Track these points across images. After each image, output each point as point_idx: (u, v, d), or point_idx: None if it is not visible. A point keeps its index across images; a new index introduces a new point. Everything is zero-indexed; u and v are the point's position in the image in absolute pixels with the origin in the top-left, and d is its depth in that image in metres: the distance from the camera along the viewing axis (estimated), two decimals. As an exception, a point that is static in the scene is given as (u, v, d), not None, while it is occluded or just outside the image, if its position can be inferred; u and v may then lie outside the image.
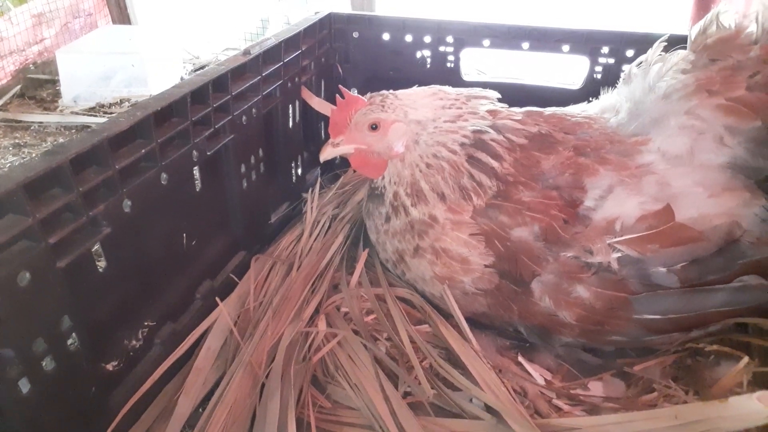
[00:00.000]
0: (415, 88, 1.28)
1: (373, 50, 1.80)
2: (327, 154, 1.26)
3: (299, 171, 1.70)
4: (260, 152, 1.40)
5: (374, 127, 1.21)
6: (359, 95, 1.24)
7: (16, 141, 2.34)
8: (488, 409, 1.04)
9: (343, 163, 1.90)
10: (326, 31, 1.75)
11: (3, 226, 0.73)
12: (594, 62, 1.63)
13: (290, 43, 1.49)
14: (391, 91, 1.25)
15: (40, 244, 0.77)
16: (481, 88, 1.31)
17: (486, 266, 1.14)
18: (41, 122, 2.49)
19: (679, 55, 1.19)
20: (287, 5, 3.68)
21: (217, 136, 1.21)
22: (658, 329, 1.08)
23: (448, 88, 1.28)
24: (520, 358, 1.19)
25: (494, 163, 1.16)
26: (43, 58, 2.98)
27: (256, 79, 1.32)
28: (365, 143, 1.23)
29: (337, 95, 1.25)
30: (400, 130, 1.20)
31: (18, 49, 2.83)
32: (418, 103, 1.22)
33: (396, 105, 1.20)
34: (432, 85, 1.29)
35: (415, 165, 1.20)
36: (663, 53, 1.23)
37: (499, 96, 1.31)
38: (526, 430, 0.96)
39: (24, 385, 0.78)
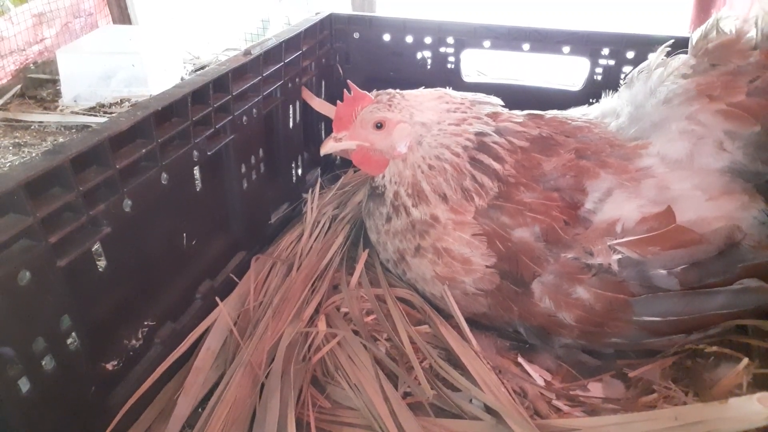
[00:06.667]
0: (422, 90, 1.28)
1: (374, 51, 1.80)
2: (328, 148, 1.26)
3: (299, 171, 1.70)
4: (260, 152, 1.40)
5: (379, 126, 1.21)
6: (366, 92, 1.24)
7: (16, 140, 2.34)
8: (488, 409, 1.04)
9: (343, 163, 1.90)
10: (327, 32, 1.75)
11: (3, 225, 0.73)
12: (594, 64, 1.63)
13: (291, 43, 1.49)
14: (397, 90, 1.25)
15: (41, 243, 0.77)
16: (485, 94, 1.31)
17: (487, 267, 1.14)
18: (41, 122, 2.49)
19: (680, 59, 1.20)
20: (288, 6, 3.68)
21: (218, 136, 1.21)
22: (658, 331, 1.08)
23: (453, 92, 1.28)
24: (520, 359, 1.19)
25: (496, 165, 1.16)
26: (43, 58, 2.98)
27: (256, 80, 1.32)
28: (368, 141, 1.23)
29: (345, 90, 1.25)
30: (405, 131, 1.20)
31: (18, 49, 2.82)
32: (424, 105, 1.22)
33: (403, 105, 1.21)
34: (438, 88, 1.29)
35: (417, 166, 1.20)
36: (665, 58, 1.23)
37: (503, 103, 1.31)
38: (526, 430, 0.96)
39: (24, 385, 0.78)
